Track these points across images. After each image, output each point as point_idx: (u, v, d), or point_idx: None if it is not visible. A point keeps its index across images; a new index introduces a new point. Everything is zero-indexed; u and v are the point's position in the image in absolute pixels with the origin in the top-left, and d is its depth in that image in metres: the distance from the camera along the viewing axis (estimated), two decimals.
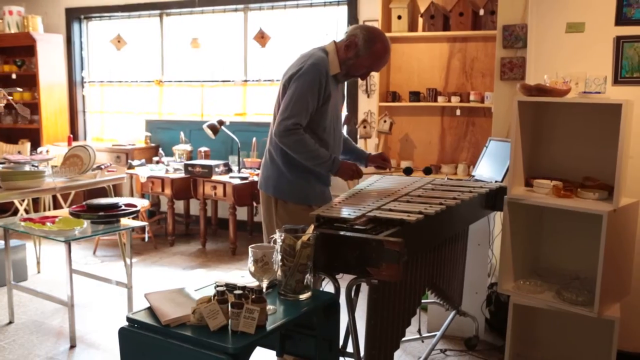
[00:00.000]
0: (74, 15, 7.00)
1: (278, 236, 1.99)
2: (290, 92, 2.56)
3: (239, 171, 5.56)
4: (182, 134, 6.21)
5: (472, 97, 4.90)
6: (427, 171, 3.15)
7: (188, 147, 6.11)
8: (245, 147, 5.86)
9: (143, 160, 6.07)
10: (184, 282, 4.57)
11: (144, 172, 5.73)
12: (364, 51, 2.65)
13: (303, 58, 2.66)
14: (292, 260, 1.96)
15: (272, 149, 2.74)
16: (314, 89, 2.56)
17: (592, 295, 2.64)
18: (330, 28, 5.72)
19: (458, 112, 5.01)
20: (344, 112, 5.49)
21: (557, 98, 2.73)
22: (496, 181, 3.23)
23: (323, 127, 2.67)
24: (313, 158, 2.62)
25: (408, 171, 3.05)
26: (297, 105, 2.53)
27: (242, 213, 6.06)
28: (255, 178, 5.35)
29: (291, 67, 2.68)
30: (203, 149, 6.00)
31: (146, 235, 5.82)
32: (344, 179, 2.76)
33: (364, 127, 5.19)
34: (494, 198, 2.98)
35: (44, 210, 5.15)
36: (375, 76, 5.24)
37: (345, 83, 2.94)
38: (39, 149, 5.73)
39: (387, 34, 4.82)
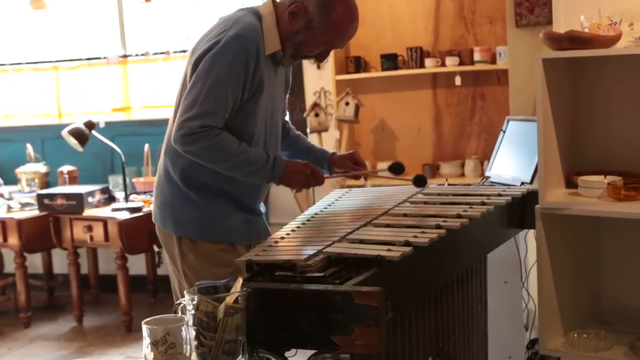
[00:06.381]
0: None
1: (188, 300, 1.97)
2: (200, 79, 2.57)
3: (126, 199, 5.51)
4: (29, 148, 6.11)
5: (477, 56, 4.96)
6: (419, 182, 3.00)
7: (41, 168, 6.03)
8: (133, 161, 5.81)
9: None
10: None
11: None
12: (318, 20, 2.65)
13: (222, 25, 2.66)
14: (214, 337, 1.94)
15: (169, 161, 2.74)
16: (236, 75, 2.58)
17: None
18: None
19: (458, 80, 5.07)
20: None
21: (602, 50, 2.75)
22: (523, 183, 3.26)
23: (250, 132, 2.69)
24: (241, 165, 2.62)
25: (396, 169, 3.01)
26: (210, 99, 2.55)
27: (138, 264, 5.98)
28: None
29: (204, 39, 2.68)
30: (66, 168, 5.92)
31: None
32: (293, 188, 2.76)
33: (316, 114, 5.19)
34: (521, 209, 2.99)
35: None
36: None
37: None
38: None
39: None
